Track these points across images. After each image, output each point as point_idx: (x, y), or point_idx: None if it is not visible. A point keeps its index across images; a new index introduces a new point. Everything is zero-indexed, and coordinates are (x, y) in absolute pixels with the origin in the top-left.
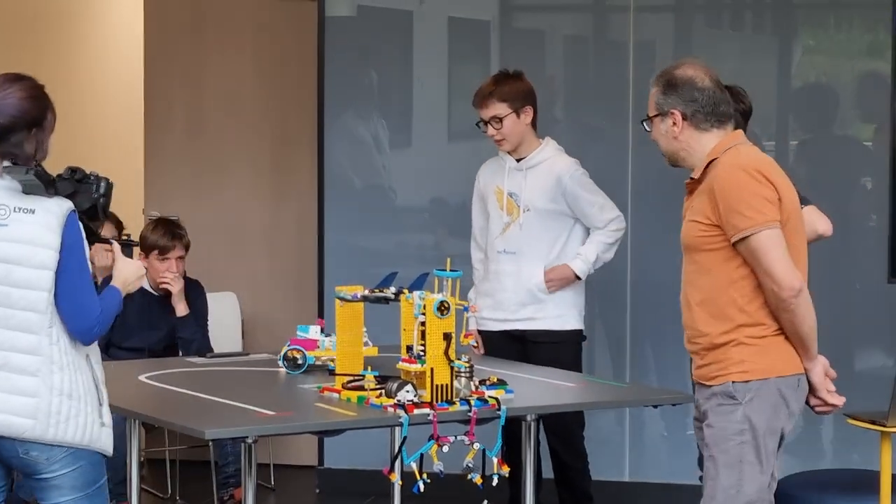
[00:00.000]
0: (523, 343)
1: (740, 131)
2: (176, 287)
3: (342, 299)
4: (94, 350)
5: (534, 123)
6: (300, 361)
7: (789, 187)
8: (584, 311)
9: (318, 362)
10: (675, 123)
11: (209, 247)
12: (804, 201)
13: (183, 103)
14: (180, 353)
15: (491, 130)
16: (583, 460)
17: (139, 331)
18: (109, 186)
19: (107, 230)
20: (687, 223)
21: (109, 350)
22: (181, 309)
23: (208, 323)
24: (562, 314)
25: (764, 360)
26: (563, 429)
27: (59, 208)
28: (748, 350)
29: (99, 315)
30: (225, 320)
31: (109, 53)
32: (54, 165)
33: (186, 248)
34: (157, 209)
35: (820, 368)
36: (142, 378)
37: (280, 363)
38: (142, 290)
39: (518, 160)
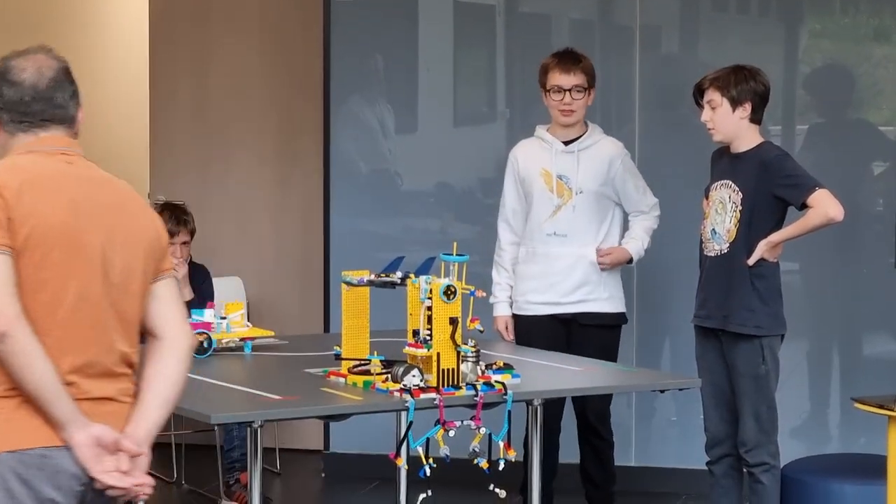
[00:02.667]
0: (570, 326)
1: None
2: (180, 272)
3: (348, 284)
4: None
5: None
6: (205, 345)
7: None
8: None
9: (219, 345)
10: None
11: (215, 231)
12: (817, 185)
13: (188, 88)
14: None
15: (568, 98)
16: (612, 438)
17: None
18: None
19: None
20: None
21: None
22: (186, 294)
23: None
24: (612, 296)
25: None
26: (603, 407)
27: None
28: None
29: None
30: None
31: (114, 40)
32: None
33: (192, 233)
34: (164, 194)
35: (84, 439)
36: None
37: None
38: None
39: (565, 143)
